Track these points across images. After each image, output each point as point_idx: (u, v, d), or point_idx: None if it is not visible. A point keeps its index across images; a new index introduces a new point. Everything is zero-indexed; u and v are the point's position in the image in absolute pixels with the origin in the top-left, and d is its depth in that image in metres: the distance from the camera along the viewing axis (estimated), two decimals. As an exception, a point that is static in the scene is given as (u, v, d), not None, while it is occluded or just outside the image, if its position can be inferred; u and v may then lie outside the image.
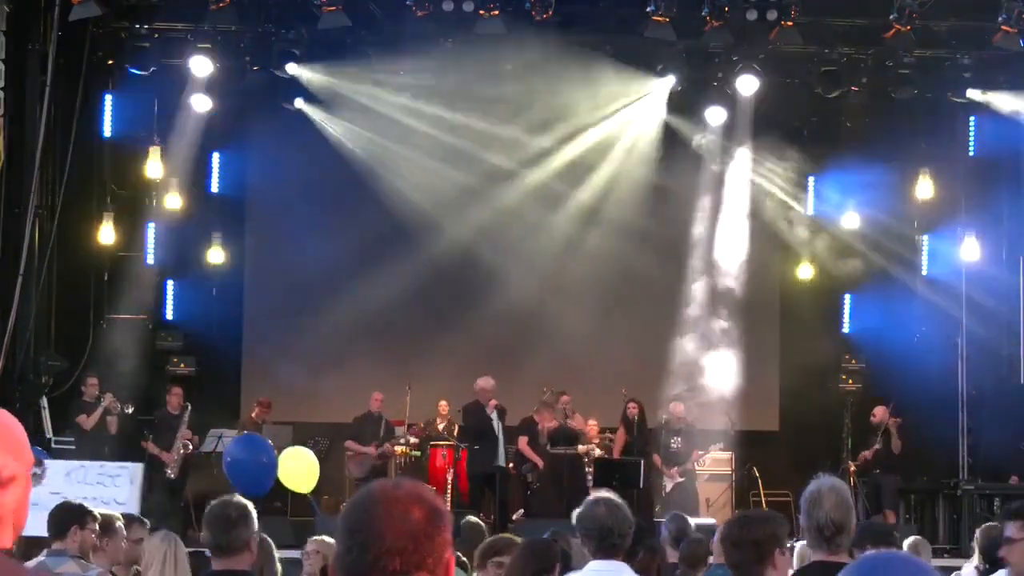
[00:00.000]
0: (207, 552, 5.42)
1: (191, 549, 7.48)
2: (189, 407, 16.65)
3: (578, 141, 18.91)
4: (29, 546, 7.35)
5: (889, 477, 17.12)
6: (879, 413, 17.21)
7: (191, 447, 16.54)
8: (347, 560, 2.33)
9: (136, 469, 13.69)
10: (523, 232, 19.27)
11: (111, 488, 12.96)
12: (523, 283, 19.16)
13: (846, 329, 19.57)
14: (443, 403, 17.83)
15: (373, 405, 17.00)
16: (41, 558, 6.69)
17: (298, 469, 12.68)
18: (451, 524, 2.39)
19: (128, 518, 7.83)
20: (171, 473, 16.23)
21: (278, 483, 12.24)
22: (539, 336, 18.96)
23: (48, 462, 13.16)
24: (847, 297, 19.57)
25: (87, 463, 13.47)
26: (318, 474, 13.13)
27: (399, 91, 18.15)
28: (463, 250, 18.99)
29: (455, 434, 17.20)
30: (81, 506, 7.08)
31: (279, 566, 7.32)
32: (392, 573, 2.30)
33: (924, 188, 18.82)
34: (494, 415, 16.10)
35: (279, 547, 7.71)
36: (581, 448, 16.57)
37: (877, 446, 17.08)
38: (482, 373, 16.70)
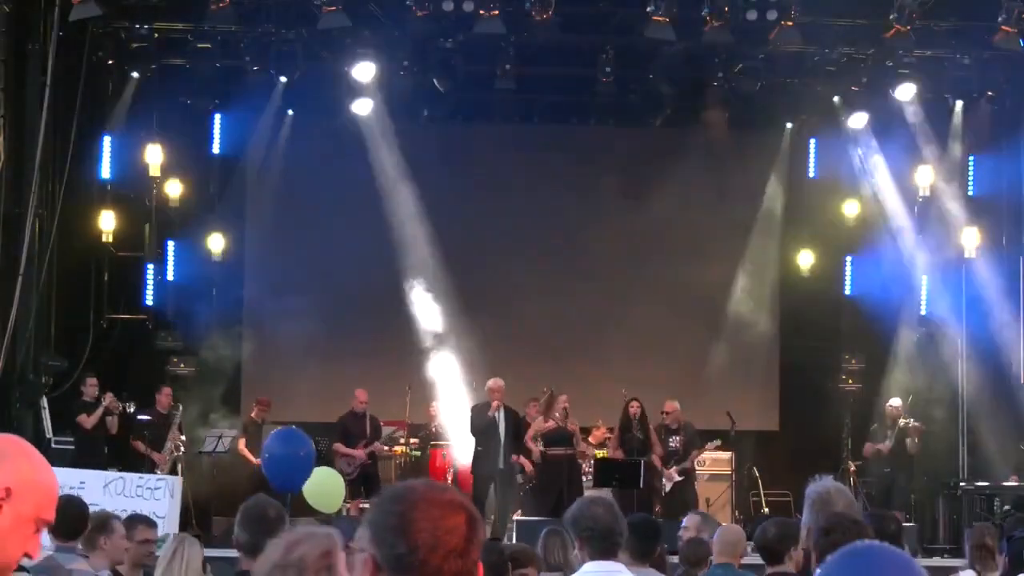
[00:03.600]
0: (204, 553, 5.36)
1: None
2: (180, 408, 16.63)
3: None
4: None
5: (901, 476, 17.11)
6: (897, 406, 17.11)
7: (181, 448, 16.52)
8: (410, 560, 2.37)
9: (175, 482, 13.56)
10: (523, 232, 19.29)
11: (151, 501, 12.84)
12: (523, 282, 19.19)
13: (846, 328, 19.56)
14: (434, 404, 17.82)
15: (357, 404, 16.93)
16: (49, 552, 6.62)
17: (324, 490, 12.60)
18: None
19: (133, 518, 7.78)
20: (160, 474, 16.20)
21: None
22: (539, 335, 18.97)
23: (85, 473, 13.09)
24: (847, 297, 19.57)
25: (125, 475, 13.34)
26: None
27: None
28: (462, 249, 19.00)
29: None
30: (84, 502, 7.03)
31: None
32: (457, 574, 2.37)
33: (924, 187, 18.81)
34: (500, 415, 16.07)
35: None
36: (593, 437, 16.50)
37: (889, 442, 17.02)
38: (487, 374, 16.67)
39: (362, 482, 16.38)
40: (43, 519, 2.57)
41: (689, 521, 8.66)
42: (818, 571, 2.65)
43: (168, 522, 12.84)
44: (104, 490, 12.71)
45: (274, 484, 8.90)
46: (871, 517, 7.55)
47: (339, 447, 16.87)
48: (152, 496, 12.93)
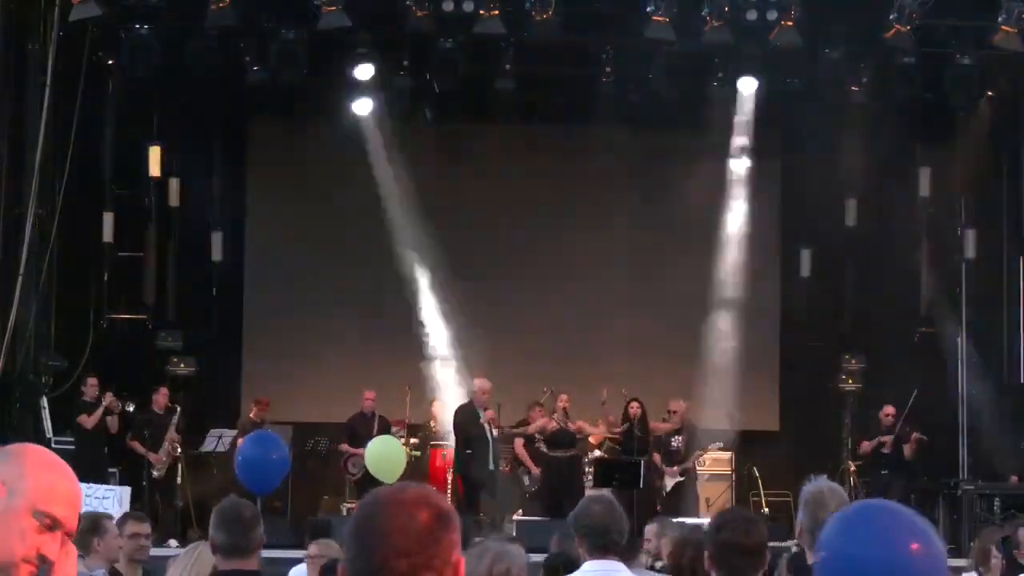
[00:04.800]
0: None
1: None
2: (178, 409, 16.63)
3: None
4: None
5: (898, 479, 17.10)
6: (891, 414, 17.10)
7: (178, 448, 16.52)
8: (356, 564, 2.33)
9: (124, 492, 13.57)
10: (523, 231, 19.29)
11: (98, 509, 12.80)
12: (523, 282, 19.19)
13: (847, 328, 19.55)
14: (435, 404, 17.82)
15: (365, 404, 16.95)
16: None
17: (386, 458, 12.58)
18: (459, 526, 2.40)
19: (124, 515, 7.78)
20: (157, 474, 16.22)
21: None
22: (539, 335, 18.96)
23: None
24: (848, 297, 19.57)
25: None
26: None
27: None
28: (462, 249, 19.01)
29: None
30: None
31: None
32: (400, 575, 2.30)
33: (924, 187, 18.81)
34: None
35: (279, 547, 7.70)
36: (593, 437, 16.50)
37: (886, 450, 17.00)
38: (487, 374, 16.68)
39: (368, 483, 16.37)
40: (45, 512, 2.54)
41: (648, 530, 8.58)
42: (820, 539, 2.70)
43: None
44: None
45: (247, 487, 8.89)
46: None
47: (344, 447, 16.86)
48: (100, 506, 12.87)
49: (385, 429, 16.93)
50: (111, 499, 13.15)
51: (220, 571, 5.24)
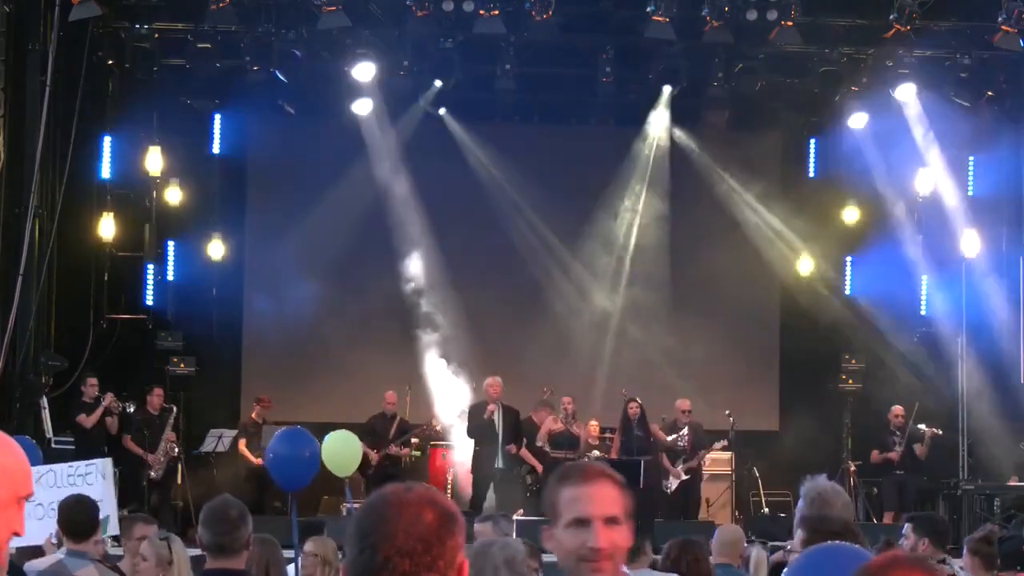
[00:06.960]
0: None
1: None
2: (174, 409, 16.63)
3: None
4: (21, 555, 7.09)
5: (913, 479, 17.06)
6: (900, 414, 17.08)
7: (176, 449, 16.51)
8: (359, 562, 2.33)
9: (106, 464, 13.45)
10: (523, 231, 19.28)
11: (83, 487, 12.73)
12: (522, 281, 19.19)
13: (846, 328, 19.55)
14: (434, 411, 17.82)
15: (386, 406, 16.93)
16: (59, 557, 6.59)
17: (342, 452, 12.53)
18: (464, 527, 2.39)
19: (130, 517, 7.76)
20: (154, 475, 16.21)
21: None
22: (540, 335, 18.96)
23: None
24: (847, 297, 19.57)
25: (55, 466, 13.24)
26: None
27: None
28: (461, 249, 19.02)
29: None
30: (95, 502, 6.99)
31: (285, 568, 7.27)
32: (402, 574, 2.31)
33: (924, 187, 18.82)
34: (497, 414, 16.06)
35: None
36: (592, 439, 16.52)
37: (899, 448, 16.98)
38: (485, 372, 16.67)
39: (381, 483, 16.29)
40: (23, 496, 2.56)
41: (479, 528, 8.27)
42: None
43: (106, 505, 12.78)
44: (37, 485, 12.56)
45: (279, 484, 8.95)
46: (924, 519, 7.70)
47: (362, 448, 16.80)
48: (84, 482, 12.83)
49: (403, 432, 16.90)
50: (93, 473, 13.03)
51: (207, 570, 5.24)
